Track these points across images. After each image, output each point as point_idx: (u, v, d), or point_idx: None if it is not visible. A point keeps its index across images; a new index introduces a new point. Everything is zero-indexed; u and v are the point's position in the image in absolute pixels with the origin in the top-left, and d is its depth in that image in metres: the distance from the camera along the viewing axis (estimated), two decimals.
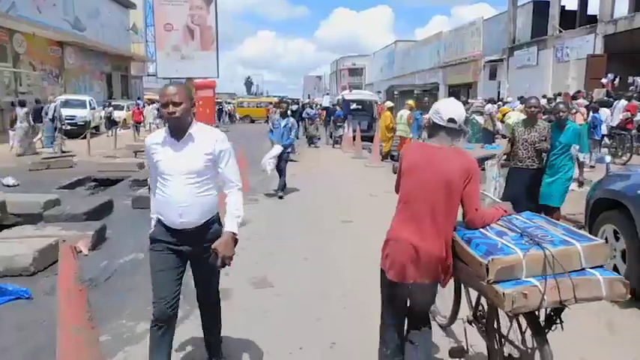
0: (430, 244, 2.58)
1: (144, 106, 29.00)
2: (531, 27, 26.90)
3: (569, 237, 2.43)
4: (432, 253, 2.58)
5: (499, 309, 2.52)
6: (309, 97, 39.99)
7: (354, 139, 16.24)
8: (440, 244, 2.59)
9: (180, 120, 2.65)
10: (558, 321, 2.43)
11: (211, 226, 2.84)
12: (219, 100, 46.56)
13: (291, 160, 12.46)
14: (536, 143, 5.62)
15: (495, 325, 2.78)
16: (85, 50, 30.09)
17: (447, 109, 2.69)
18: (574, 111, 14.03)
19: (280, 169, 8.94)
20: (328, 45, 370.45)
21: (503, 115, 13.29)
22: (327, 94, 35.32)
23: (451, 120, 2.65)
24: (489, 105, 17.03)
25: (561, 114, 5.75)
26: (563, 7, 25.78)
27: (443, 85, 35.10)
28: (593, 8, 24.71)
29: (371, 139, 16.61)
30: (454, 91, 34.36)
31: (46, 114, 16.11)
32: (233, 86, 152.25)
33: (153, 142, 2.79)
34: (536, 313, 2.41)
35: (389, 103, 14.37)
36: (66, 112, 20.95)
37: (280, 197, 8.67)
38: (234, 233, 2.75)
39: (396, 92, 33.00)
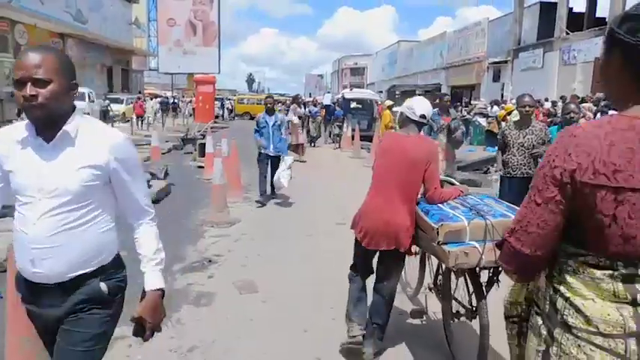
0: (397, 216, 3.09)
1: (144, 100, 28.88)
2: (537, 29, 26.53)
3: (509, 212, 2.94)
4: (398, 223, 3.09)
5: (452, 274, 3.13)
6: (310, 95, 39.41)
7: (352, 138, 15.94)
8: (405, 216, 3.10)
9: (48, 109, 1.64)
10: (496, 279, 2.87)
11: (88, 282, 1.77)
12: (220, 97, 46.44)
13: (299, 161, 12.24)
14: (533, 147, 5.05)
15: (448, 288, 3.33)
16: (86, 43, 29.82)
17: (420, 106, 3.29)
18: (581, 115, 13.76)
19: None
20: (331, 44, 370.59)
21: (508, 114, 12.78)
22: (329, 92, 35.00)
23: (422, 116, 3.29)
24: (496, 107, 16.69)
25: (572, 114, 5.14)
26: (571, 8, 25.43)
27: (445, 87, 34.79)
28: (602, 10, 24.44)
29: (370, 139, 16.32)
30: (456, 93, 34.05)
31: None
32: (235, 83, 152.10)
33: (1, 141, 1.77)
34: (478, 274, 2.89)
35: (389, 102, 14.06)
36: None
37: (260, 203, 7.78)
38: (161, 289, 1.88)
39: (397, 92, 32.83)
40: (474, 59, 31.32)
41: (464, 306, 3.17)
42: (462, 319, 3.22)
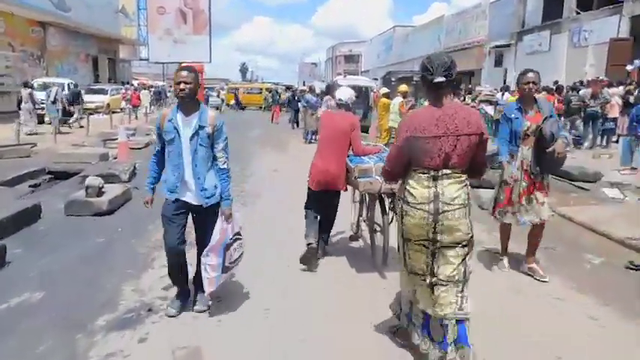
0: (333, 167, 4.60)
1: (136, 90, 28.32)
2: (542, 10, 25.17)
3: None
4: (334, 172, 4.61)
5: (374, 205, 4.79)
6: (304, 84, 38.00)
7: None
8: (338, 167, 4.61)
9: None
10: (393, 206, 4.40)
11: None
12: (211, 86, 45.06)
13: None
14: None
15: (372, 215, 4.85)
16: (69, 32, 28.44)
17: (340, 93, 4.92)
18: (608, 101, 12.40)
19: None
20: (325, 31, 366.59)
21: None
22: (323, 81, 33.61)
23: (340, 100, 4.86)
24: (507, 94, 15.33)
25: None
26: None
27: None
28: None
29: (366, 130, 15.10)
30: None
31: (48, 97, 16.61)
32: (228, 72, 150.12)
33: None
34: (383, 198, 4.65)
35: (385, 89, 12.83)
36: (42, 95, 19.59)
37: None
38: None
39: (393, 79, 31.15)
40: (474, 43, 30.00)
41: (378, 224, 4.81)
42: (378, 234, 4.82)
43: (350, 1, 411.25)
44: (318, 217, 4.79)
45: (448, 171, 2.79)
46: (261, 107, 37.13)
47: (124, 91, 26.63)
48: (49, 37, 26.29)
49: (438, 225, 2.78)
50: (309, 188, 4.77)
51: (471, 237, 2.86)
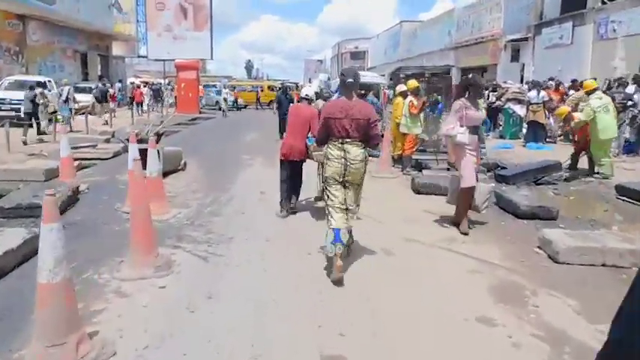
0: (297, 143, 6.30)
1: (138, 87, 28.35)
2: (561, 0, 23.10)
3: None
4: (297, 147, 6.30)
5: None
6: (309, 81, 36.07)
7: None
8: (301, 143, 6.31)
9: None
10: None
11: None
12: (210, 84, 43.38)
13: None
14: None
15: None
16: (54, 26, 26.49)
17: (305, 90, 7.13)
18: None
19: None
20: (331, 29, 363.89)
21: (590, 93, 9.06)
22: (329, 77, 31.53)
23: (307, 95, 6.77)
24: (543, 93, 13.22)
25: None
26: None
27: (455, 68, 31.31)
28: None
29: None
30: (465, 75, 30.64)
31: (60, 96, 16.77)
32: (234, 70, 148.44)
33: None
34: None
35: (401, 87, 10.76)
36: (13, 95, 17.75)
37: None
38: None
39: (402, 75, 29.16)
40: (488, 37, 27.89)
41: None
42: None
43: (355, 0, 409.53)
44: (288, 183, 6.48)
45: (349, 140, 4.41)
46: (257, 106, 35.14)
47: (112, 90, 24.70)
48: (29, 32, 24.35)
49: (346, 171, 4.43)
50: (280, 160, 6.47)
51: (362, 180, 4.61)
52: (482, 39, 28.56)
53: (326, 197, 4.55)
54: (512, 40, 25.63)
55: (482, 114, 6.12)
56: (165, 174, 8.71)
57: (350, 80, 4.49)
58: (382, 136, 7.07)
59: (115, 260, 4.53)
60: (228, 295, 3.90)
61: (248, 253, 4.88)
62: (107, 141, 13.96)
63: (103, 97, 21.98)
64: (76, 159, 10.65)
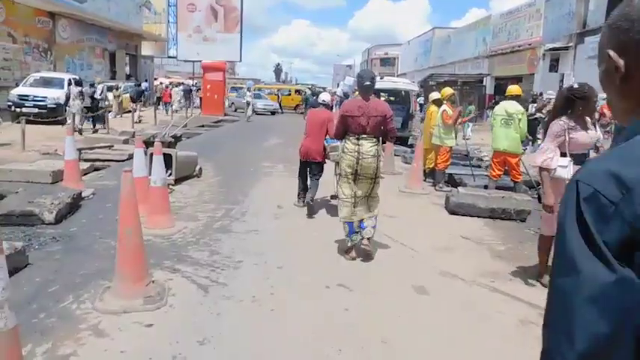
0: (315, 145, 6.75)
1: (167, 87, 29.12)
2: (607, 7, 21.88)
3: None
4: (315, 148, 6.75)
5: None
6: (337, 86, 35.43)
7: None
8: (319, 145, 6.76)
9: None
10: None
11: None
12: (240, 86, 43.20)
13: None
14: None
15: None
16: (83, 24, 26.43)
17: (322, 96, 7.62)
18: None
19: None
20: (362, 35, 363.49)
21: None
22: (350, 76, 30.57)
23: (324, 101, 7.36)
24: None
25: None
26: None
27: (489, 77, 30.19)
28: None
29: (406, 142, 12.30)
30: (499, 85, 29.53)
31: (93, 94, 16.88)
32: (264, 73, 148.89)
33: None
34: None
35: (434, 94, 9.94)
36: (37, 92, 17.53)
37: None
38: None
39: (433, 83, 28.07)
40: (526, 46, 26.76)
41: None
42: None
43: (387, 5, 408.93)
44: (307, 181, 7.10)
45: (365, 135, 4.81)
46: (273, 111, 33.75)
47: (124, 93, 23.93)
48: (59, 29, 24.27)
49: (359, 165, 4.82)
50: (300, 161, 7.07)
51: (377, 174, 4.93)
52: (520, 47, 27.45)
53: (339, 192, 5.11)
54: (552, 49, 24.47)
55: (595, 134, 4.49)
56: (178, 180, 8.13)
57: (367, 83, 4.85)
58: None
59: (102, 285, 3.88)
60: (224, 342, 3.19)
61: (255, 285, 4.15)
62: (126, 142, 13.50)
63: (138, 97, 23.15)
64: (89, 160, 10.28)
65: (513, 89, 8.12)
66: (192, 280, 4.15)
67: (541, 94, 19.63)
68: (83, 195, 6.74)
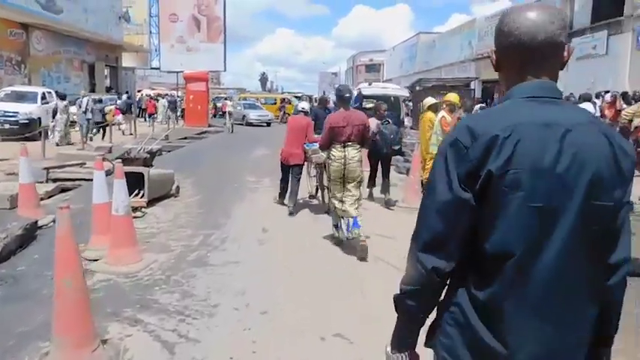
0: (295, 149, 7.36)
1: (152, 99, 29.34)
2: (592, 8, 21.52)
3: None
4: (296, 152, 7.36)
5: (322, 171, 7.21)
6: (324, 94, 34.77)
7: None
8: (298, 150, 7.33)
9: None
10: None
11: None
12: (222, 96, 42.48)
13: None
14: None
15: (322, 179, 7.40)
16: (59, 36, 25.55)
17: (301, 104, 8.36)
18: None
19: None
20: (346, 42, 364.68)
21: None
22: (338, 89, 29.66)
23: (303, 108, 7.99)
24: (589, 104, 11.60)
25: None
26: None
27: (477, 81, 29.77)
28: None
29: (399, 152, 11.63)
30: (486, 88, 29.15)
31: (80, 107, 16.93)
32: (250, 83, 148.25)
33: None
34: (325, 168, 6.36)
35: (429, 100, 9.25)
36: (8, 107, 16.60)
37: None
38: None
39: (419, 87, 27.40)
40: None
41: (327, 187, 6.31)
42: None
43: (370, 13, 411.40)
44: (288, 184, 7.57)
45: (350, 143, 5.44)
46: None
47: (112, 107, 22.96)
48: (33, 41, 23.37)
49: (345, 170, 5.44)
50: (281, 163, 7.64)
51: (362, 177, 5.63)
52: None
53: (331, 196, 5.78)
54: None
55: None
56: (151, 202, 7.35)
57: (347, 95, 5.73)
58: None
59: (40, 349, 3.10)
60: None
61: (234, 339, 3.39)
62: (104, 159, 12.64)
63: (127, 109, 23.02)
64: (58, 179, 9.46)
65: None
66: (155, 336, 3.37)
67: None
68: (40, 223, 5.93)
